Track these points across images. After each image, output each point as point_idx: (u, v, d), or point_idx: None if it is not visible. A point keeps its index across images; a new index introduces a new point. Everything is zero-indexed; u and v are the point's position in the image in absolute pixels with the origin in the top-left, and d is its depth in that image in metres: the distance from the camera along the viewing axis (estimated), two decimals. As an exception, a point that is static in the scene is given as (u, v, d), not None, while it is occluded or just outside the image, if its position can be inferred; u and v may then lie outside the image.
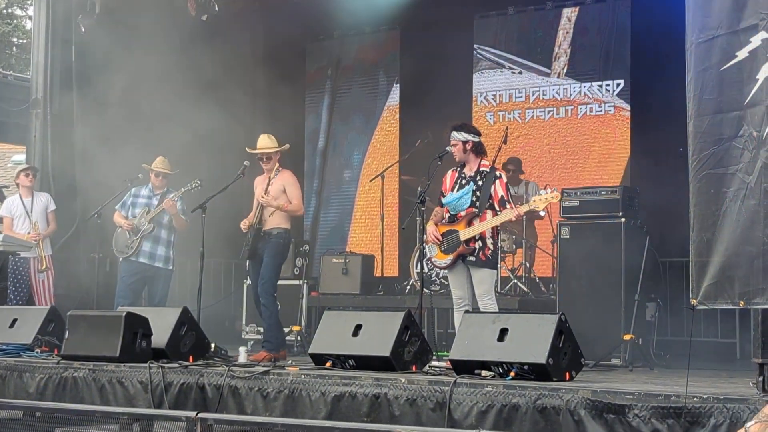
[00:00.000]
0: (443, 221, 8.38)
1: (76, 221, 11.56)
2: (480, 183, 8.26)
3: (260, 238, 9.27)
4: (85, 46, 11.84)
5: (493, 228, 8.21)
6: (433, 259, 8.52)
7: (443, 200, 8.42)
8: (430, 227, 8.41)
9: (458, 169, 8.47)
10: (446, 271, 8.46)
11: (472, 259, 8.17)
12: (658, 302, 9.71)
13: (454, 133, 8.39)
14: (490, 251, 8.18)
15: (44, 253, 10.74)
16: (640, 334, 9.14)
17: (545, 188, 8.45)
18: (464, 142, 8.34)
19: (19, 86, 12.99)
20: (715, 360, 9.49)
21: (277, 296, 9.40)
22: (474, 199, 8.22)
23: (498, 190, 8.21)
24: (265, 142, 9.50)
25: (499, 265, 8.50)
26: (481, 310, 8.03)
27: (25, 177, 11.08)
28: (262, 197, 9.22)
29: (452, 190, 8.37)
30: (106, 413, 6.63)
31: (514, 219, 8.27)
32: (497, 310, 8.11)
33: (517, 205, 8.19)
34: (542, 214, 8.91)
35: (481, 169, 8.32)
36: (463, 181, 8.34)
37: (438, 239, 8.27)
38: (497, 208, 8.17)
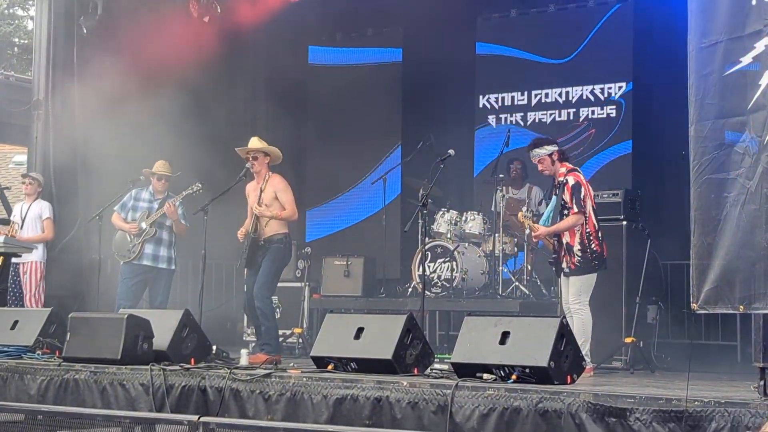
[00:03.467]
0: None
1: (78, 222, 11.56)
2: (557, 195, 8.50)
3: (259, 247, 9.25)
4: (87, 48, 11.83)
5: (580, 234, 8.35)
6: None
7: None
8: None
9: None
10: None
11: (567, 270, 8.44)
12: (659, 305, 9.72)
13: (537, 151, 8.55)
14: (577, 259, 8.36)
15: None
16: (642, 337, 9.16)
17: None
18: (550, 155, 8.49)
19: (20, 87, 12.99)
20: (716, 363, 9.50)
21: (276, 300, 9.41)
22: (563, 211, 8.45)
23: (565, 195, 8.39)
24: (254, 143, 9.49)
25: (595, 267, 8.48)
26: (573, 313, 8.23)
27: (23, 184, 11.18)
28: (257, 207, 9.19)
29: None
30: (108, 417, 6.62)
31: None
32: (582, 315, 8.23)
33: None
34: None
35: (559, 179, 8.51)
36: (554, 196, 8.61)
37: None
38: (568, 213, 8.40)
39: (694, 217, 5.92)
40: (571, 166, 8.63)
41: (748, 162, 5.57)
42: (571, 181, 8.37)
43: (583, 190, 8.37)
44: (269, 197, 9.24)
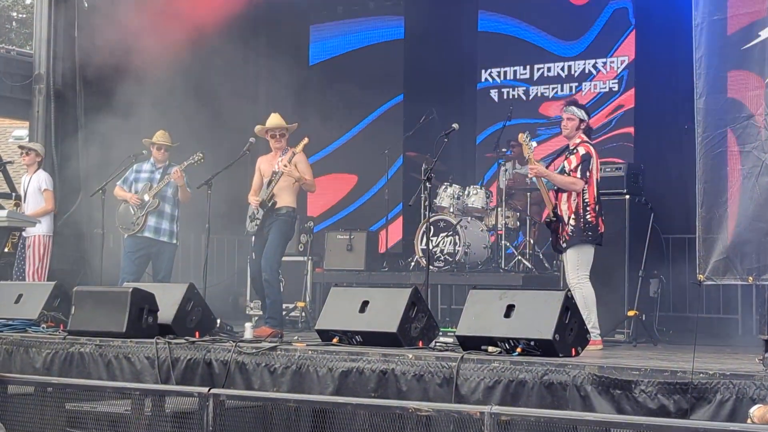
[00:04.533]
0: None
1: (80, 197, 11.57)
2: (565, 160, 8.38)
3: (268, 216, 9.28)
4: (88, 21, 11.80)
5: (576, 203, 8.22)
6: None
7: None
8: None
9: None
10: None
11: (563, 245, 8.31)
12: (661, 278, 9.74)
13: (574, 108, 8.40)
14: (570, 228, 8.23)
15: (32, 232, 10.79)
16: (644, 310, 9.19)
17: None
18: (580, 120, 8.38)
19: (21, 61, 12.94)
20: (717, 336, 9.56)
21: (280, 273, 9.43)
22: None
23: (572, 161, 8.25)
24: (279, 120, 9.49)
25: (588, 238, 8.26)
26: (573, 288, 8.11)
27: (20, 155, 11.21)
28: (285, 166, 9.19)
29: None
30: (117, 389, 6.65)
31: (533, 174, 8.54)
32: (583, 290, 8.10)
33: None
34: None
35: (571, 147, 8.38)
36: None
37: None
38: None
39: (702, 190, 5.94)
40: (587, 139, 8.48)
41: (765, 135, 5.59)
42: (581, 150, 8.25)
43: (592, 162, 8.25)
44: (292, 165, 9.25)
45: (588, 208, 8.24)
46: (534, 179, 9.36)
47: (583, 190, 8.23)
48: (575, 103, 8.51)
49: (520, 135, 8.59)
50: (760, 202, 5.62)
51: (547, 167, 8.86)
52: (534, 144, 8.49)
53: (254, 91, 13.52)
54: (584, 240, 8.23)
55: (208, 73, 12.17)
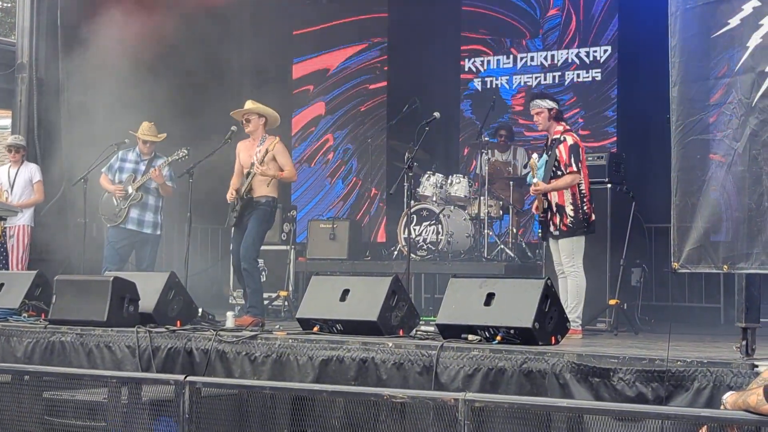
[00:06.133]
0: None
1: (62, 186, 11.55)
2: (551, 152, 8.33)
3: (247, 206, 9.23)
4: (71, 10, 11.76)
5: (573, 194, 8.23)
6: None
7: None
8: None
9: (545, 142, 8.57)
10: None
11: (556, 233, 8.30)
12: (644, 267, 9.76)
13: (539, 101, 8.41)
14: (569, 219, 8.23)
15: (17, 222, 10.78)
16: (626, 299, 9.20)
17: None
18: (549, 110, 8.37)
19: (4, 50, 12.89)
20: (699, 324, 9.59)
21: (262, 263, 9.43)
22: (554, 169, 8.29)
23: (562, 153, 8.23)
24: (248, 105, 9.46)
25: (585, 229, 8.30)
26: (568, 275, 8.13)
27: (9, 153, 11.16)
28: (258, 168, 9.13)
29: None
30: (94, 377, 6.64)
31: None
32: (577, 278, 8.13)
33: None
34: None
35: (554, 136, 8.36)
36: (545, 154, 8.42)
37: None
38: (564, 171, 8.24)
39: (676, 178, 5.94)
40: (567, 126, 8.51)
41: (736, 123, 5.60)
42: (569, 140, 8.26)
43: (581, 151, 8.29)
44: (268, 158, 9.19)
45: (584, 199, 8.31)
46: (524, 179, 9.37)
47: None
48: (537, 96, 8.56)
49: (531, 160, 8.57)
50: (734, 190, 5.63)
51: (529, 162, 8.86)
52: (535, 158, 8.47)
53: (239, 76, 13.46)
54: (583, 231, 8.32)
55: (193, 60, 12.14)
